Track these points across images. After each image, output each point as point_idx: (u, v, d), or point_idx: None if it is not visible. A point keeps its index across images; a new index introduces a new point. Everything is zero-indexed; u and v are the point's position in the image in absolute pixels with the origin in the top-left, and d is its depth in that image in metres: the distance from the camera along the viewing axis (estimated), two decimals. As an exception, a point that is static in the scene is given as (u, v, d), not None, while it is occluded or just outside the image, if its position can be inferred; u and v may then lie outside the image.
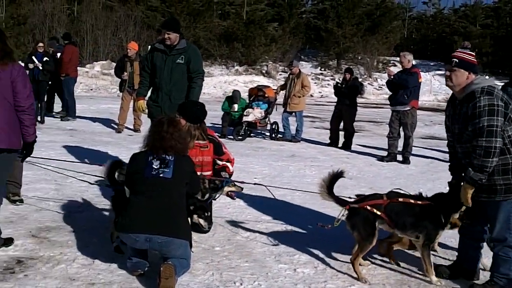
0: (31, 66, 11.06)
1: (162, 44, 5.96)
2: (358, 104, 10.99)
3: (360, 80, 14.47)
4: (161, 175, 3.74)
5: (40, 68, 11.20)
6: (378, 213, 4.02)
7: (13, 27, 26.66)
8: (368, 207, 4.06)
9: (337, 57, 30.96)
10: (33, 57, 11.28)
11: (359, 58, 30.69)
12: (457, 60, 3.89)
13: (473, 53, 4.11)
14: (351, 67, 13.56)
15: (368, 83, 28.60)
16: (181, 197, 3.85)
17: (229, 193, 4.99)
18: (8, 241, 4.28)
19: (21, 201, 5.44)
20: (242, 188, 5.07)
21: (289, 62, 12.54)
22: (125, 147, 9.08)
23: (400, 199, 4.13)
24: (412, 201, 4.11)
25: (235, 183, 5.04)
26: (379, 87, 27.79)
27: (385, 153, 9.64)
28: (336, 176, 4.20)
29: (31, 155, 4.44)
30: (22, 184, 5.61)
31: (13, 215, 5.01)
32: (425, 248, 4.02)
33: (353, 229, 4.10)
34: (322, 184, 4.21)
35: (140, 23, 28.28)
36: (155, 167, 3.76)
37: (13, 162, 4.42)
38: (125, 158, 8.06)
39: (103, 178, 4.84)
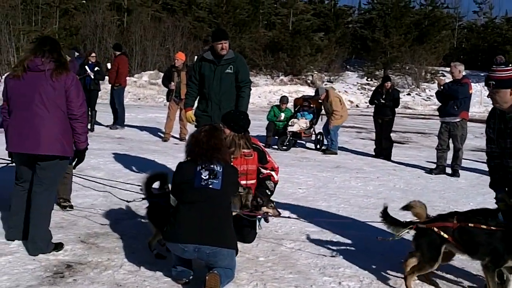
0: (90, 74, 11.37)
1: (211, 55, 6.03)
2: (406, 115, 10.79)
3: (408, 90, 14.16)
4: (210, 186, 3.75)
5: (92, 77, 11.54)
6: (446, 236, 3.88)
7: (65, 38, 27.64)
8: (436, 229, 3.92)
9: (384, 67, 30.57)
10: (86, 67, 11.63)
11: (407, 68, 30.21)
12: (494, 82, 3.77)
13: (509, 67, 3.93)
14: (389, 75, 13.30)
15: (416, 94, 28.09)
16: (228, 207, 3.87)
17: (265, 213, 4.83)
18: (59, 246, 4.40)
19: (71, 207, 5.59)
20: (279, 214, 4.97)
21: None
22: (171, 155, 9.21)
23: (471, 224, 3.88)
24: (484, 226, 3.88)
25: (274, 206, 4.88)
26: (428, 97, 27.24)
27: (433, 166, 9.39)
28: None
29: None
30: (72, 191, 5.78)
31: (63, 221, 5.15)
32: (489, 270, 3.78)
33: (417, 249, 3.98)
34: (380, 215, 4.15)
35: (187, 34, 28.76)
36: (204, 177, 3.77)
37: (65, 168, 4.55)
38: (172, 166, 8.17)
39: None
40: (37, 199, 4.31)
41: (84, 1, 33.43)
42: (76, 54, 14.21)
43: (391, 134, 10.82)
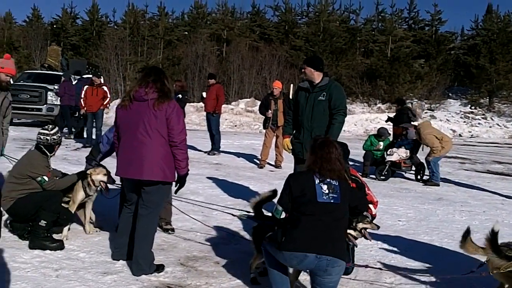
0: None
1: (307, 83, 6.04)
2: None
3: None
4: (331, 200, 3.74)
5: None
6: None
7: (168, 68, 29.10)
8: None
9: (489, 95, 28.98)
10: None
11: (515, 96, 28.45)
12: None
13: None
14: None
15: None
16: (346, 221, 3.84)
17: (363, 231, 4.67)
18: (160, 268, 4.53)
19: (172, 230, 5.77)
20: (378, 227, 4.79)
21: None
22: (267, 182, 9.26)
23: None
24: None
25: (370, 221, 4.72)
26: (538, 127, 25.37)
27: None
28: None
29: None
30: (173, 214, 5.97)
31: (164, 243, 5.32)
32: None
33: None
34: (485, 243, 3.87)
35: (284, 62, 29.20)
36: (325, 192, 3.75)
37: (168, 193, 4.72)
38: (267, 193, 8.26)
39: (248, 211, 4.92)
40: (141, 221, 4.50)
41: (186, 33, 35.20)
42: (77, 77, 15.83)
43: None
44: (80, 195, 5.43)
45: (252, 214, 4.72)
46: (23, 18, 40.76)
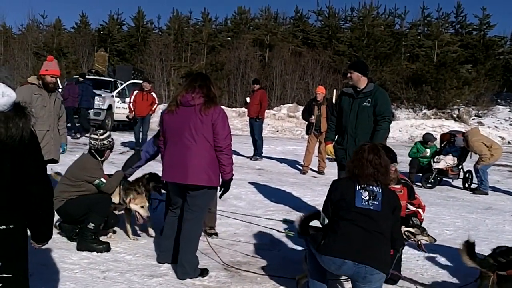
0: None
1: (351, 88, 5.97)
2: None
3: None
4: (371, 207, 3.67)
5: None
6: None
7: (211, 73, 29.37)
8: None
9: (541, 101, 27.98)
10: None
11: None
12: None
13: None
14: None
15: None
16: (388, 230, 3.73)
17: (419, 242, 4.61)
18: (204, 272, 4.56)
19: (216, 234, 5.80)
20: (435, 240, 4.69)
21: (423, 136, 11.53)
22: (310, 188, 9.20)
23: None
24: None
25: (429, 234, 4.65)
26: None
27: None
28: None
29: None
30: (216, 219, 6.00)
31: (208, 248, 5.34)
32: None
33: None
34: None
35: (327, 67, 29.01)
36: (364, 198, 3.69)
37: (212, 197, 4.74)
38: (309, 199, 8.19)
39: (291, 221, 4.88)
40: (186, 225, 4.54)
41: (229, 38, 35.48)
42: (81, 79, 16.27)
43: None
44: (115, 199, 5.53)
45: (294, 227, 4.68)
46: (72, 25, 41.99)
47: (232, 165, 4.57)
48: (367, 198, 3.69)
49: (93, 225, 5.06)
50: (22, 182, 2.30)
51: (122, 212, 5.75)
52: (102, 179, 5.30)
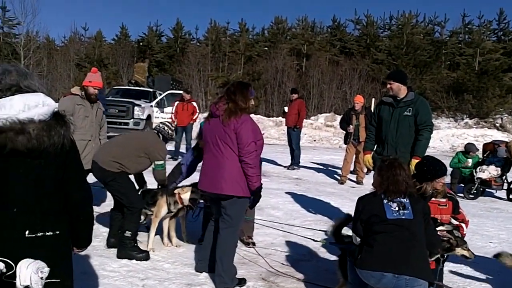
0: None
1: (390, 97, 5.89)
2: None
3: None
4: (403, 216, 3.65)
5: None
6: None
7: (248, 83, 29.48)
8: None
9: None
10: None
11: None
12: None
13: None
14: None
15: None
16: (422, 237, 3.68)
17: (461, 257, 4.48)
18: (242, 281, 4.55)
19: (253, 244, 5.78)
20: (474, 256, 4.53)
21: (465, 146, 11.17)
22: (348, 198, 9.08)
23: None
24: None
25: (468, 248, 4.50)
26: None
27: None
28: None
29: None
30: (254, 228, 5.98)
31: (246, 257, 5.33)
32: None
33: None
34: None
35: (365, 76, 28.76)
36: (394, 209, 3.70)
37: (245, 207, 4.68)
38: (348, 210, 8.05)
39: (328, 236, 4.81)
40: (222, 234, 4.53)
41: (267, 48, 35.64)
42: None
43: None
44: (163, 210, 5.54)
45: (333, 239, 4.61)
46: (112, 37, 42.90)
47: (257, 175, 4.42)
48: (397, 209, 3.70)
49: (130, 232, 5.13)
50: (65, 189, 2.35)
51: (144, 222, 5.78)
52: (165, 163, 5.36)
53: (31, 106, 2.22)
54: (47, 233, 2.27)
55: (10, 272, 2.15)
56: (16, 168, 2.20)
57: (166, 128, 5.52)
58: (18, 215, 2.20)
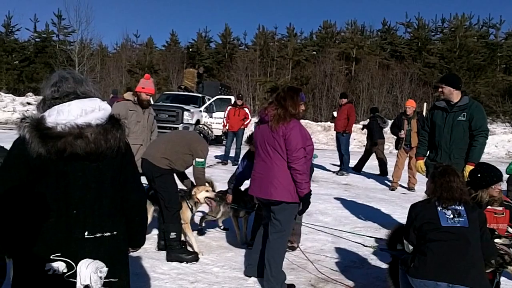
0: None
1: (444, 102, 5.74)
2: None
3: None
4: (458, 224, 3.56)
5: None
6: None
7: (297, 87, 29.46)
8: None
9: None
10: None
11: None
12: None
13: None
14: None
15: None
16: (478, 246, 3.57)
17: None
18: (291, 287, 4.52)
19: (293, 248, 5.66)
20: None
21: None
22: (399, 205, 8.89)
23: None
24: None
25: None
26: None
27: None
28: None
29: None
30: (302, 234, 5.94)
31: (295, 263, 5.31)
32: None
33: None
34: None
35: (416, 80, 28.20)
36: (449, 216, 3.61)
37: (294, 213, 4.64)
38: (399, 217, 7.92)
39: (380, 242, 4.72)
40: (271, 239, 4.52)
41: (315, 52, 35.51)
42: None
43: None
44: (188, 213, 5.64)
45: (384, 245, 4.53)
46: (163, 43, 44.00)
47: (306, 181, 4.34)
48: (452, 216, 3.61)
49: (174, 233, 5.21)
50: (122, 191, 2.42)
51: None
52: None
53: (88, 111, 2.29)
54: (105, 234, 2.34)
55: (70, 272, 2.23)
56: (75, 172, 2.28)
57: (206, 128, 5.72)
58: (77, 216, 2.28)
